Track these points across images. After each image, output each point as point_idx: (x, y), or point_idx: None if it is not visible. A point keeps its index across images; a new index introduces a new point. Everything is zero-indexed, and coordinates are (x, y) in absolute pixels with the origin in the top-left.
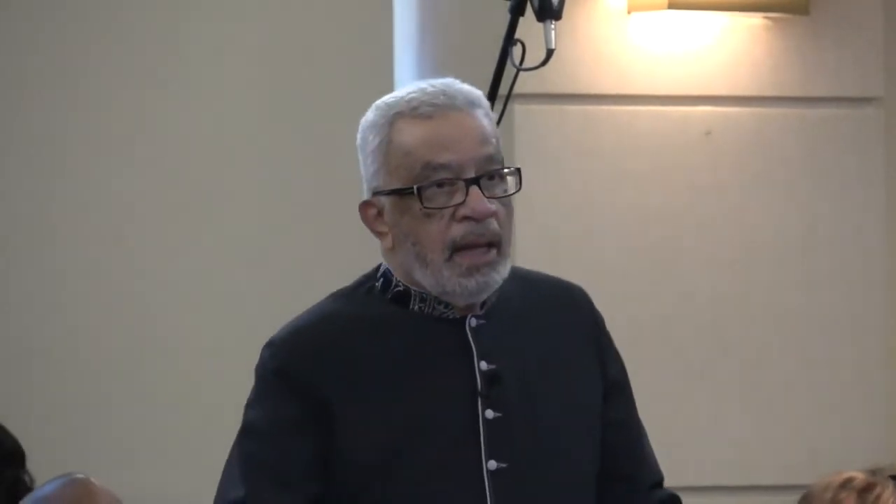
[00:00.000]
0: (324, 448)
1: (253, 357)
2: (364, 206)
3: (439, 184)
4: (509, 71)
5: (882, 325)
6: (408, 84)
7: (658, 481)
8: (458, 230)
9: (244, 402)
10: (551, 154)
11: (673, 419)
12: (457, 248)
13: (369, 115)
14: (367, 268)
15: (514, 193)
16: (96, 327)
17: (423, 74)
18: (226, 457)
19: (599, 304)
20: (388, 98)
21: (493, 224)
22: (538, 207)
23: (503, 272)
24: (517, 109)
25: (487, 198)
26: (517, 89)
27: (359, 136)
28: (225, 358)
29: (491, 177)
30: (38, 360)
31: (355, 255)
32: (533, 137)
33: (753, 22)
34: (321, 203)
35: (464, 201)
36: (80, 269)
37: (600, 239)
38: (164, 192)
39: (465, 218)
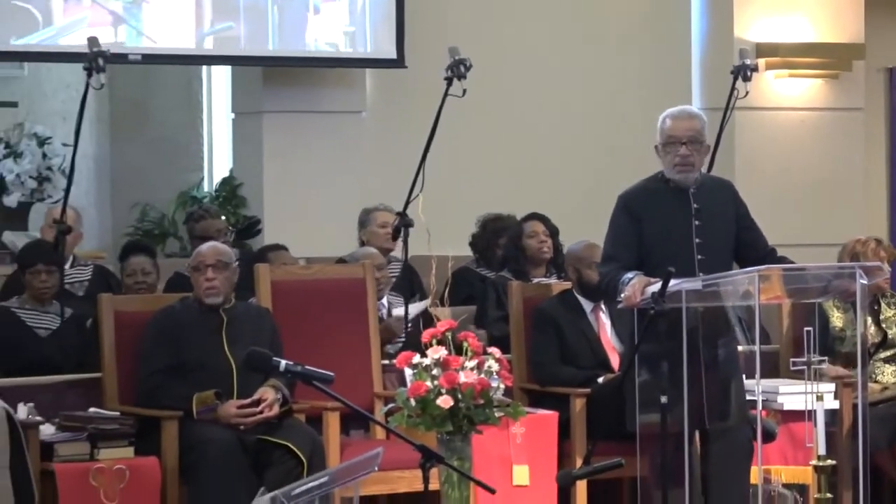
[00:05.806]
0: (638, 236)
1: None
2: (656, 147)
3: (671, 143)
4: (732, 98)
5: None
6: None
7: (765, 244)
8: (676, 159)
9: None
10: (750, 131)
11: (778, 219)
12: (674, 166)
13: (662, 113)
14: (656, 169)
15: (698, 147)
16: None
17: (702, 88)
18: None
19: (754, 190)
20: (669, 109)
21: (690, 158)
22: (745, 154)
23: (693, 176)
24: (736, 115)
25: (688, 151)
26: (737, 105)
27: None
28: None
29: (692, 142)
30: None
31: (652, 164)
32: (744, 124)
33: (818, 81)
34: (645, 144)
35: (679, 151)
36: None
37: (756, 163)
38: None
39: (678, 155)
